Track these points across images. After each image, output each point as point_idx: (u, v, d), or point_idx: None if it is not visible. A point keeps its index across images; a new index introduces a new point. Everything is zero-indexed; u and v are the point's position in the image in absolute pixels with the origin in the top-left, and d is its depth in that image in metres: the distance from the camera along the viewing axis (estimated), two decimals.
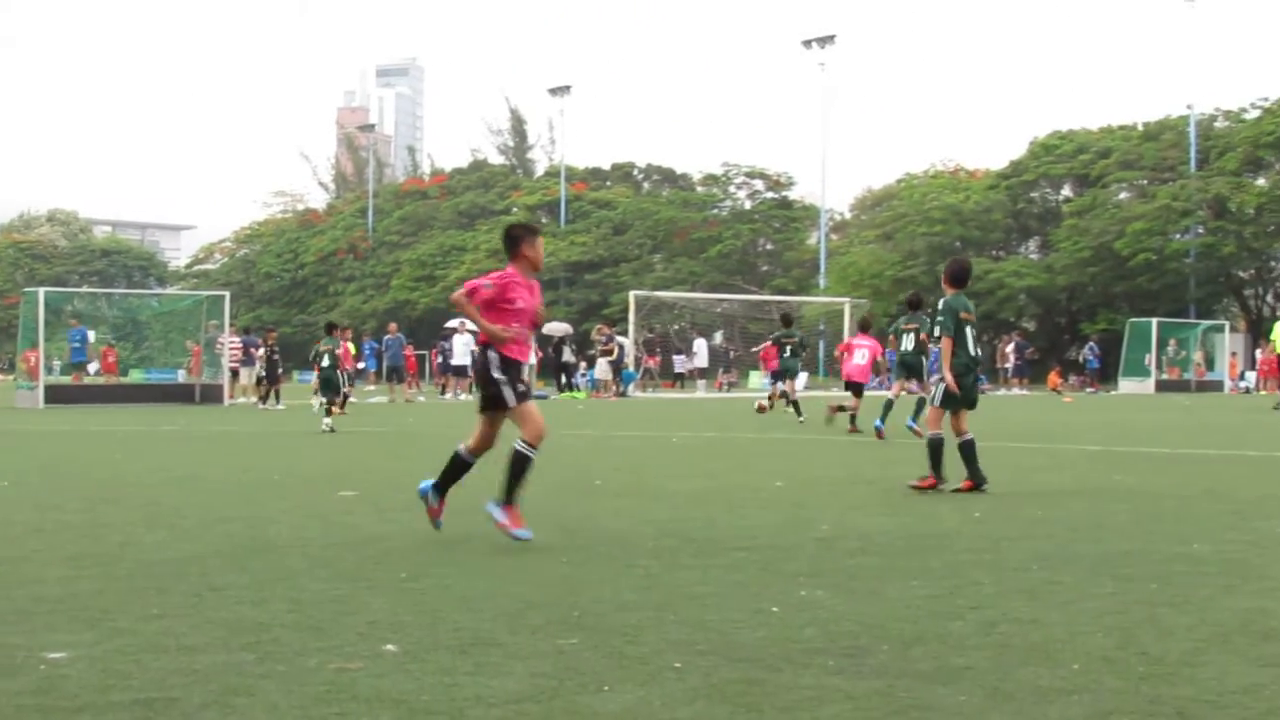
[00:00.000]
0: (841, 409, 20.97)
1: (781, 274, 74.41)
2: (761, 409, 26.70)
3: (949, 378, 11.47)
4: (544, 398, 35.31)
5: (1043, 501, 10.58)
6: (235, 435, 21.05)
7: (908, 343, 19.21)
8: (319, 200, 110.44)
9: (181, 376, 41.78)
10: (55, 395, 33.81)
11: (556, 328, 45.31)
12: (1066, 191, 65.72)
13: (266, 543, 8.29)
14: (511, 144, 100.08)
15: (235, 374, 36.38)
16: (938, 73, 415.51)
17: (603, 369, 41.76)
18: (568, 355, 44.33)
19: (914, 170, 73.45)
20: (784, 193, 76.95)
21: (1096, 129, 66.06)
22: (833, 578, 6.95)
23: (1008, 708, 4.42)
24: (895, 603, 6.25)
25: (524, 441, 8.14)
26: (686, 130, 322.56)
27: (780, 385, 26.35)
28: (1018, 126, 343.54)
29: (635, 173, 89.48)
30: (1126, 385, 48.86)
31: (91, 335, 44.14)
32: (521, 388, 8.27)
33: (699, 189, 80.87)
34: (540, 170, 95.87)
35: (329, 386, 22.55)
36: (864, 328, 22.24)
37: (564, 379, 43.92)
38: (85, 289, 74.86)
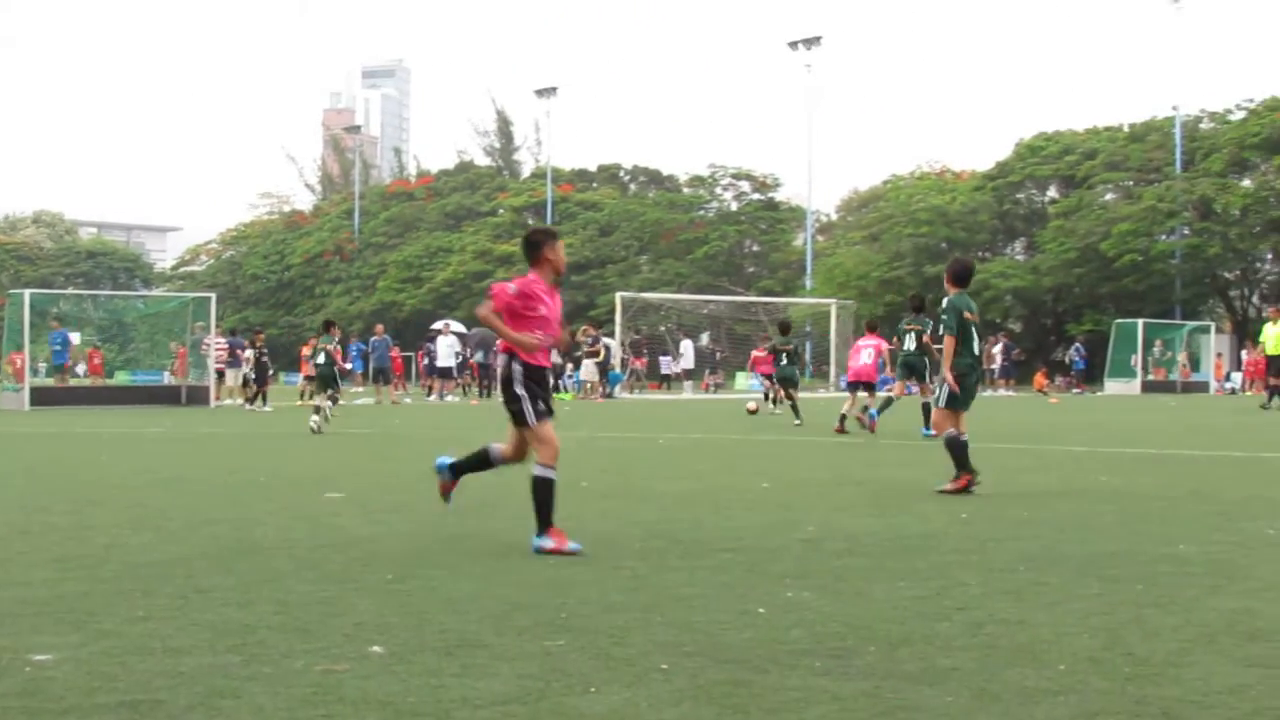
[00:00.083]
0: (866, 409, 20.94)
1: (768, 275, 74.49)
2: (752, 410, 26.95)
3: (949, 377, 11.49)
4: None
5: (1029, 502, 10.59)
6: (221, 437, 21.00)
7: (909, 343, 19.39)
8: (305, 202, 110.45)
9: (167, 378, 41.71)
10: (41, 397, 33.76)
11: None
12: (1052, 193, 65.84)
13: (253, 545, 8.27)
14: (498, 145, 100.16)
15: (221, 375, 36.30)
16: (924, 74, 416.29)
17: (589, 370, 41.72)
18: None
19: (900, 171, 73.66)
20: (770, 194, 77.07)
21: (1082, 130, 66.21)
22: (819, 579, 6.95)
23: (994, 709, 4.43)
24: (882, 604, 6.26)
25: (541, 464, 7.96)
26: (673, 132, 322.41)
27: (777, 389, 26.69)
28: (1003, 128, 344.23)
29: (622, 174, 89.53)
30: (1112, 386, 48.93)
31: (76, 338, 44.04)
32: (542, 406, 8.05)
33: (685, 190, 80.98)
34: (526, 172, 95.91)
35: (327, 383, 22.55)
36: (871, 327, 22.47)
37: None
38: (71, 291, 74.61)
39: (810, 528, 9.03)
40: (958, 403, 11.51)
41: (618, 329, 48.43)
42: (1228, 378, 51.02)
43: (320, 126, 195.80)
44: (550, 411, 8.13)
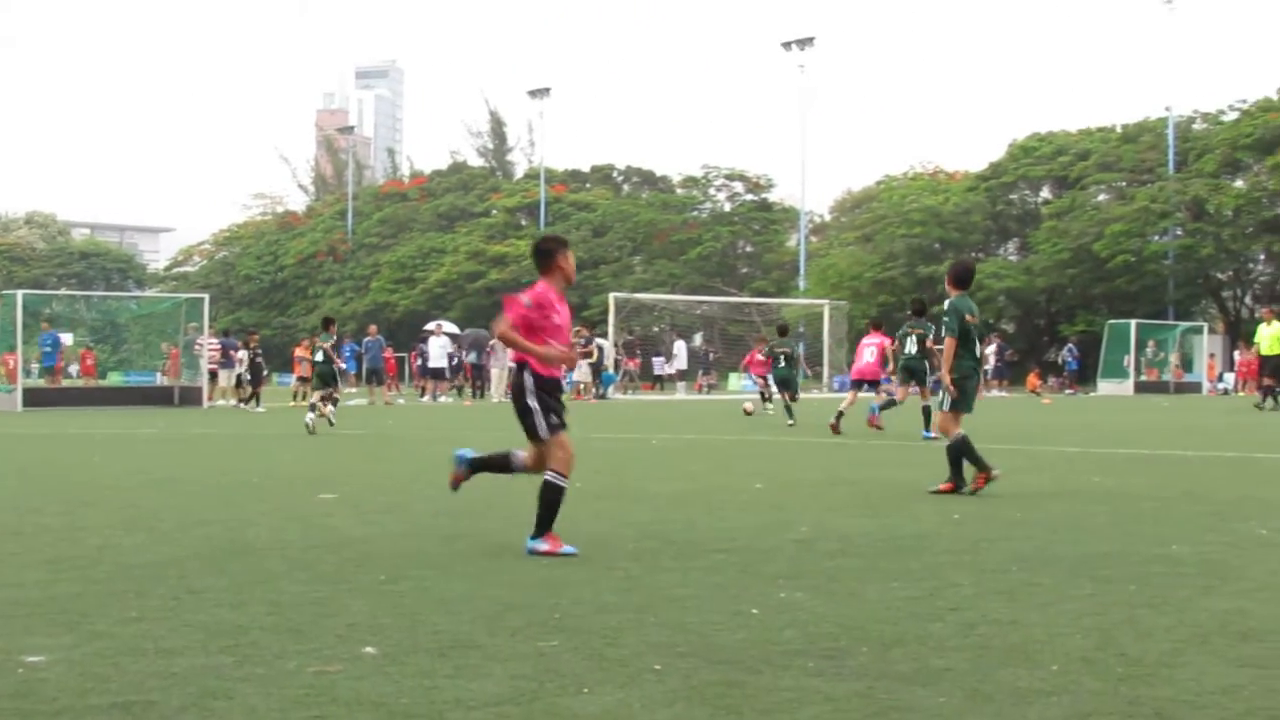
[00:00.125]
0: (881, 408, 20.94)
1: (761, 276, 74.47)
2: (748, 411, 26.99)
3: (947, 379, 11.51)
4: None
5: (1022, 503, 10.60)
6: (214, 438, 20.97)
7: (910, 346, 19.43)
8: (298, 202, 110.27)
9: (160, 379, 41.67)
10: (33, 398, 33.66)
11: None
12: (1045, 193, 65.88)
13: (245, 545, 8.26)
14: (491, 146, 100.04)
15: (214, 376, 36.30)
16: (917, 75, 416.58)
17: (582, 371, 41.69)
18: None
19: (893, 172, 73.74)
20: (763, 195, 77.00)
21: (1075, 131, 66.26)
22: (812, 579, 6.95)
23: (987, 709, 4.43)
24: (875, 604, 6.26)
25: (554, 471, 7.86)
26: (666, 132, 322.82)
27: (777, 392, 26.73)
28: (997, 128, 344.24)
29: (615, 175, 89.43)
30: (1105, 387, 49.00)
31: (68, 339, 43.97)
32: (555, 419, 7.90)
33: (679, 191, 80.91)
34: (520, 172, 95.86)
35: (326, 381, 22.56)
36: (875, 325, 22.51)
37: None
38: (64, 291, 74.47)
39: (803, 528, 9.03)
40: (961, 405, 11.54)
41: (611, 330, 48.41)
42: (1220, 378, 51.10)
43: (314, 127, 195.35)
44: (563, 424, 7.97)
